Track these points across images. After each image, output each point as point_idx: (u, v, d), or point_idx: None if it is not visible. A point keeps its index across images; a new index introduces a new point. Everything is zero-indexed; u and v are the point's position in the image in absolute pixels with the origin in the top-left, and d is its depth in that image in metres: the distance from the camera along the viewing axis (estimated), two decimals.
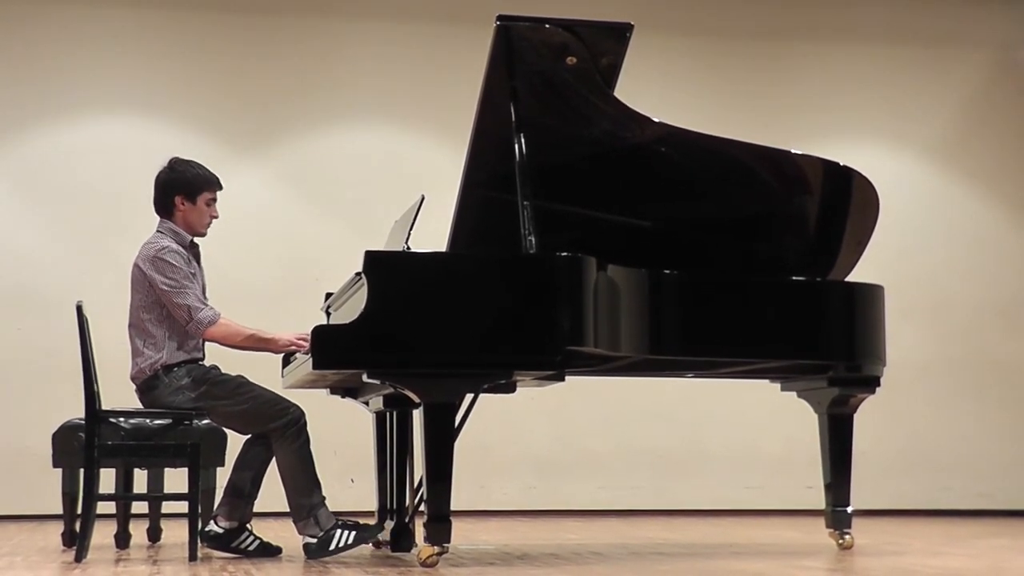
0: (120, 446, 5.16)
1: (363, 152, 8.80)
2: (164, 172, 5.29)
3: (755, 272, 5.46)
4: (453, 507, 4.58)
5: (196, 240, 5.33)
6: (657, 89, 8.64)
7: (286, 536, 5.51)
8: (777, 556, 5.31)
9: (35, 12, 8.48)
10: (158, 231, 5.27)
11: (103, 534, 5.54)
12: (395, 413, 5.38)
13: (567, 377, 4.85)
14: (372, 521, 5.42)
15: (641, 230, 5.40)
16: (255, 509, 5.21)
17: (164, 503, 5.86)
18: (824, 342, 5.37)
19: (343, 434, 7.33)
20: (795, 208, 5.63)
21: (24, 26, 8.47)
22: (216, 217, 5.33)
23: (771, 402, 6.64)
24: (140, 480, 5.76)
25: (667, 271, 5.03)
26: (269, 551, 5.16)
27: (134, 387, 5.22)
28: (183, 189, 5.24)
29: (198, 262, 5.35)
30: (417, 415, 4.76)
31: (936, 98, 9.47)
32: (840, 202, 5.61)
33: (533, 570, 4.61)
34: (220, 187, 5.32)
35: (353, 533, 4.98)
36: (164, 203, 5.28)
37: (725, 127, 5.82)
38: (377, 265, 4.58)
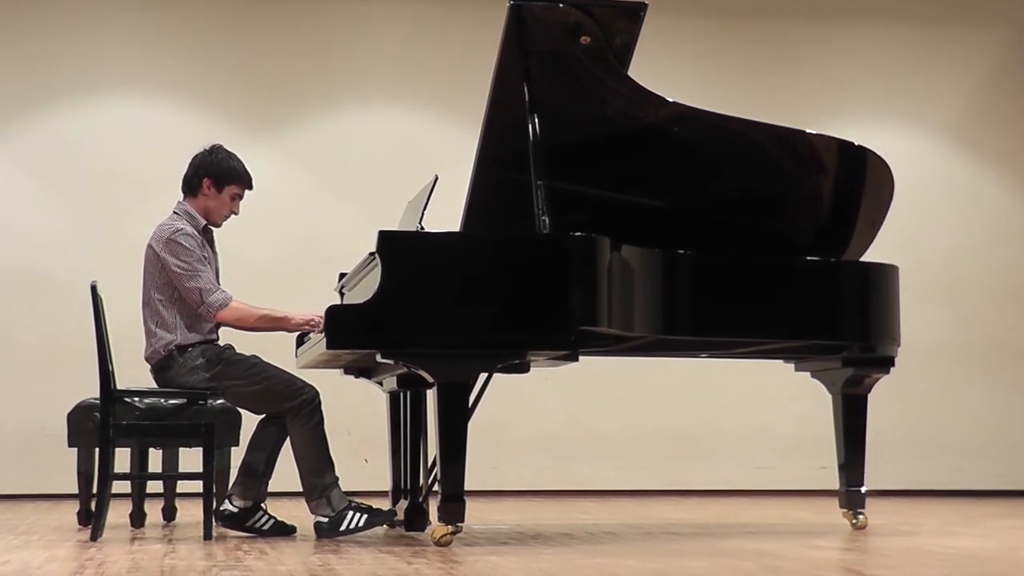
0: (135, 426, 5.17)
1: (376, 132, 8.79)
2: (203, 153, 5.31)
3: (769, 252, 5.45)
4: (466, 487, 4.59)
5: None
6: (670, 69, 8.61)
7: (300, 516, 5.52)
8: (790, 536, 5.31)
9: None
10: (174, 212, 5.28)
11: (118, 513, 5.56)
12: (409, 393, 5.39)
13: (580, 357, 4.86)
14: (386, 500, 5.43)
15: (655, 210, 5.39)
16: (269, 489, 5.23)
17: (179, 482, 5.88)
18: (838, 322, 5.36)
19: (357, 414, 7.35)
20: (809, 188, 5.62)
21: (37, 9, 8.47)
22: (236, 213, 5.34)
23: (784, 382, 6.64)
24: (155, 460, 5.78)
25: (681, 251, 5.03)
26: (283, 530, 5.17)
27: (149, 367, 5.23)
28: (214, 175, 5.25)
29: (212, 246, 5.36)
30: (431, 395, 4.77)
31: (950, 79, 9.42)
32: (854, 182, 5.59)
33: (547, 549, 4.62)
34: (250, 186, 5.33)
35: (365, 516, 4.99)
36: (192, 182, 5.29)
37: (739, 107, 5.80)
38: (391, 245, 4.58)
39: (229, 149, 5.35)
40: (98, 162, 8.44)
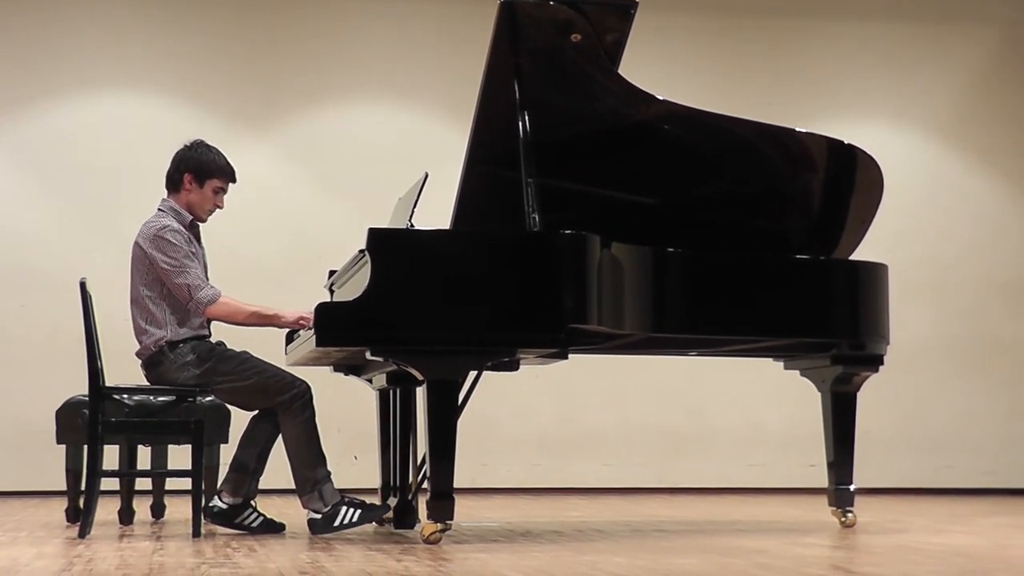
0: (124, 423, 5.16)
1: (367, 130, 8.78)
2: (184, 149, 5.31)
3: (759, 250, 5.45)
4: (456, 484, 4.59)
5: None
6: (660, 67, 8.60)
7: (290, 513, 5.52)
8: (780, 534, 5.32)
9: None
10: (159, 209, 5.26)
11: (107, 510, 5.55)
12: (398, 390, 5.39)
13: (570, 355, 4.85)
14: (375, 497, 5.43)
15: (645, 208, 5.40)
16: (259, 486, 5.22)
17: (168, 480, 5.88)
18: (828, 320, 5.37)
19: (346, 411, 7.34)
20: (799, 186, 5.63)
21: (29, 5, 8.44)
22: (220, 207, 5.32)
23: (774, 380, 6.64)
24: (144, 457, 5.77)
25: (671, 249, 5.03)
26: (272, 528, 5.17)
27: (140, 363, 5.22)
28: (194, 169, 5.24)
29: (198, 241, 5.35)
30: (420, 392, 4.76)
31: (940, 76, 9.43)
32: (844, 180, 5.60)
33: (536, 547, 4.62)
34: (233, 179, 5.31)
35: (359, 511, 4.98)
36: (174, 178, 5.28)
37: (729, 105, 5.80)
38: (380, 242, 4.58)
39: (210, 143, 5.33)
40: (90, 158, 8.42)
